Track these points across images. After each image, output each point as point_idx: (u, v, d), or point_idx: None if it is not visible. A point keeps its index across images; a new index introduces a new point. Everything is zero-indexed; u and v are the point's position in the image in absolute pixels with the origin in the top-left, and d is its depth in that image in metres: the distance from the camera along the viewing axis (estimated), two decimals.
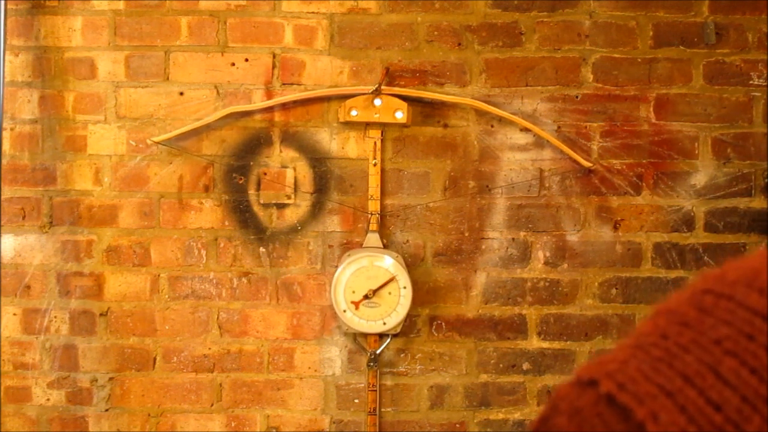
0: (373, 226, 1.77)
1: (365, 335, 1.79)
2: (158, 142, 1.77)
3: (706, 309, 0.32)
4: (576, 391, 0.33)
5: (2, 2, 1.68)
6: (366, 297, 1.73)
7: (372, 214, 1.77)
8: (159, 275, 1.80)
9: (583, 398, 0.32)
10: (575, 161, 1.79)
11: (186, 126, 1.77)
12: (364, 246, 1.77)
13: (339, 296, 1.73)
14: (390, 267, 1.73)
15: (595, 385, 0.32)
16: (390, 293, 1.73)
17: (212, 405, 1.81)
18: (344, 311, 1.73)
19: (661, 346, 0.32)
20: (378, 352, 1.79)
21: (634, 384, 0.31)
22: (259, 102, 1.78)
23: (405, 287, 1.73)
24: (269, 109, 1.79)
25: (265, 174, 1.80)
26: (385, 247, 1.78)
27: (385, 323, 1.74)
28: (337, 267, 1.76)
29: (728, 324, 0.31)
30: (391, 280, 1.73)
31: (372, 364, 1.78)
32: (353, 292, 1.73)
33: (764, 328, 0.30)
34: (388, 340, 1.79)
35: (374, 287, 1.72)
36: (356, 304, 1.73)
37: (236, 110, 1.77)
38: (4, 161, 1.75)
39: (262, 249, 1.80)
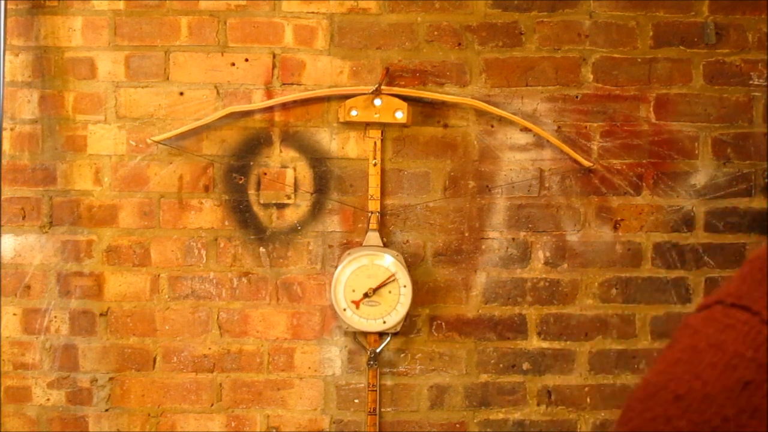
0: (373, 224, 1.77)
1: (365, 334, 1.79)
2: (158, 142, 1.77)
3: None
4: (704, 313, 0.44)
5: (2, 2, 1.68)
6: (366, 296, 1.73)
7: (372, 212, 1.77)
8: (159, 275, 1.80)
9: (712, 312, 0.44)
10: (575, 161, 1.80)
11: (186, 126, 1.77)
12: (364, 245, 1.77)
13: (339, 295, 1.73)
14: (390, 266, 1.73)
15: (721, 304, 0.44)
16: (390, 292, 1.74)
17: (212, 405, 1.81)
18: (344, 310, 1.73)
19: (763, 272, 0.44)
20: (378, 350, 1.79)
21: (748, 295, 0.42)
22: (259, 102, 1.78)
23: (405, 286, 1.73)
24: (269, 109, 1.79)
25: (265, 174, 1.80)
26: (385, 245, 1.78)
27: (385, 322, 1.74)
28: (337, 266, 1.76)
29: None
30: (392, 279, 1.73)
31: (372, 362, 1.78)
32: (353, 290, 1.73)
33: None
34: (388, 338, 1.79)
35: (374, 286, 1.73)
36: (356, 303, 1.73)
37: (236, 110, 1.77)
38: (4, 161, 1.75)
39: (262, 249, 1.80)
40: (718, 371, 0.38)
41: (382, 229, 1.79)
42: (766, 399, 0.36)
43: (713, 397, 0.37)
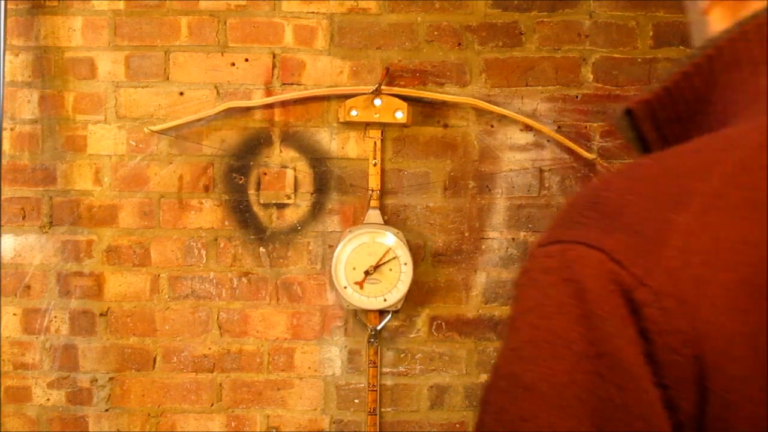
0: (374, 202, 1.77)
1: (366, 312, 1.79)
2: (157, 131, 1.77)
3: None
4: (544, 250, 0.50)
5: (2, 2, 1.68)
6: (367, 273, 1.73)
7: (372, 190, 1.77)
8: (159, 275, 1.80)
9: (532, 255, 0.50)
10: (576, 158, 1.79)
11: (185, 118, 1.77)
12: (365, 222, 1.77)
13: (340, 272, 1.73)
14: (391, 243, 1.73)
15: (538, 248, 0.49)
16: (391, 269, 1.74)
17: (212, 405, 1.81)
18: (345, 287, 1.73)
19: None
20: (378, 328, 1.79)
21: (557, 232, 0.50)
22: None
23: (406, 264, 1.73)
24: (269, 109, 1.79)
25: (265, 174, 1.80)
26: (386, 223, 1.78)
27: (385, 300, 1.74)
28: (338, 243, 1.76)
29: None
30: (393, 256, 1.73)
31: (372, 340, 1.78)
32: (354, 268, 1.73)
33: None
34: (389, 316, 1.79)
35: (374, 263, 1.73)
36: (360, 284, 1.73)
37: (235, 105, 1.77)
38: (4, 161, 1.75)
39: (262, 249, 1.80)
40: (535, 274, 0.47)
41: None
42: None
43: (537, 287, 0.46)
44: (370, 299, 1.74)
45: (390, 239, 1.74)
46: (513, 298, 0.48)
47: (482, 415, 0.47)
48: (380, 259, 1.73)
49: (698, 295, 0.41)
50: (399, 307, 1.77)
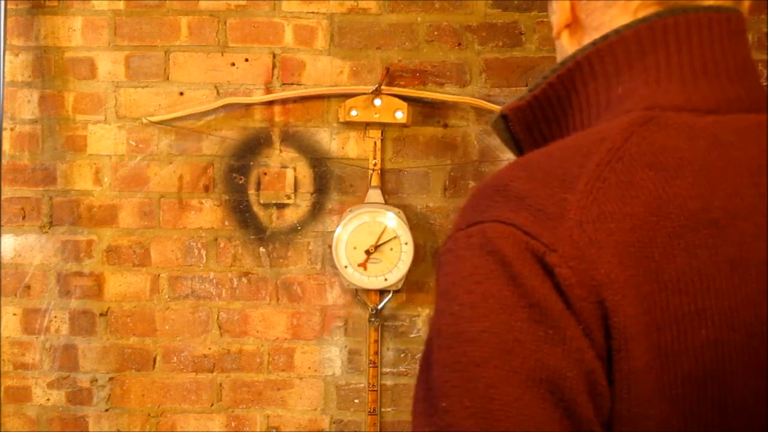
0: (375, 181, 1.77)
1: (366, 291, 1.78)
2: (156, 122, 1.78)
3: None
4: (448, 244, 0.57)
5: (2, 2, 1.68)
6: (368, 253, 1.73)
7: (373, 170, 1.77)
8: (159, 275, 1.80)
9: (454, 237, 0.57)
10: None
11: (185, 110, 1.77)
12: (366, 202, 1.77)
13: (340, 252, 1.73)
14: (392, 223, 1.73)
15: (459, 231, 0.56)
16: (392, 249, 1.73)
17: (212, 405, 1.81)
18: (345, 267, 1.73)
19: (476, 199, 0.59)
20: (379, 307, 1.79)
21: (471, 216, 0.57)
22: (258, 103, 1.78)
23: (407, 243, 1.73)
24: (269, 109, 1.79)
25: (265, 174, 1.80)
26: (386, 202, 1.78)
27: (386, 279, 1.74)
28: (339, 223, 1.75)
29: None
30: (393, 236, 1.73)
31: (373, 319, 1.78)
32: (354, 248, 1.73)
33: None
34: (389, 296, 1.79)
35: (375, 243, 1.73)
36: (363, 265, 1.73)
37: (235, 102, 1.78)
38: (4, 161, 1.75)
39: (262, 249, 1.80)
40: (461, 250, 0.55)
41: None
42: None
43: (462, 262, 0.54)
44: (371, 279, 1.74)
45: (391, 219, 1.73)
46: (440, 275, 0.55)
47: (429, 373, 0.53)
48: (379, 238, 1.72)
49: (595, 255, 0.50)
50: (399, 287, 1.77)
